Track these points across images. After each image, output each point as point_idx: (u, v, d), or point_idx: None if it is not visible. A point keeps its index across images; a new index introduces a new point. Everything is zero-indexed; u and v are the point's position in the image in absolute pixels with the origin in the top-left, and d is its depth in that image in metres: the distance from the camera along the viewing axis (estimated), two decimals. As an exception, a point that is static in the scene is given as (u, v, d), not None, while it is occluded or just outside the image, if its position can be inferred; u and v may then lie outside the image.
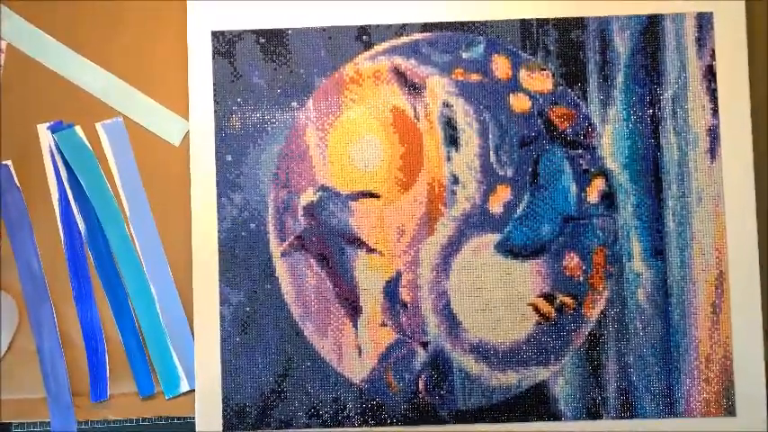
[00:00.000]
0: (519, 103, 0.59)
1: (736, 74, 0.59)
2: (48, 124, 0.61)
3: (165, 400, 0.59)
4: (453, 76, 0.59)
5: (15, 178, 0.61)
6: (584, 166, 0.59)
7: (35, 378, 0.59)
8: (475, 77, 0.59)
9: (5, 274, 0.60)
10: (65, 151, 0.60)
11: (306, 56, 0.60)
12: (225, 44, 0.60)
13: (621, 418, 0.58)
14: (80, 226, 0.60)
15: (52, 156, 0.61)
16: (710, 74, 0.59)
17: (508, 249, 0.59)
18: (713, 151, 0.59)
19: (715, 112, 0.59)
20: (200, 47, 0.60)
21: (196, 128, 0.60)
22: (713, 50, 0.59)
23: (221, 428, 0.58)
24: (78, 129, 0.61)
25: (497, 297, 0.59)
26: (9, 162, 0.61)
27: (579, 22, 0.59)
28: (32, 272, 0.60)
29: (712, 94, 0.59)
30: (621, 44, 0.59)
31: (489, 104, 0.59)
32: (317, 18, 0.60)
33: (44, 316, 0.60)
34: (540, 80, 0.59)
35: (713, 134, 0.59)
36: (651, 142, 0.59)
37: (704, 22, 0.59)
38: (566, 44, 0.59)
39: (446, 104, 0.59)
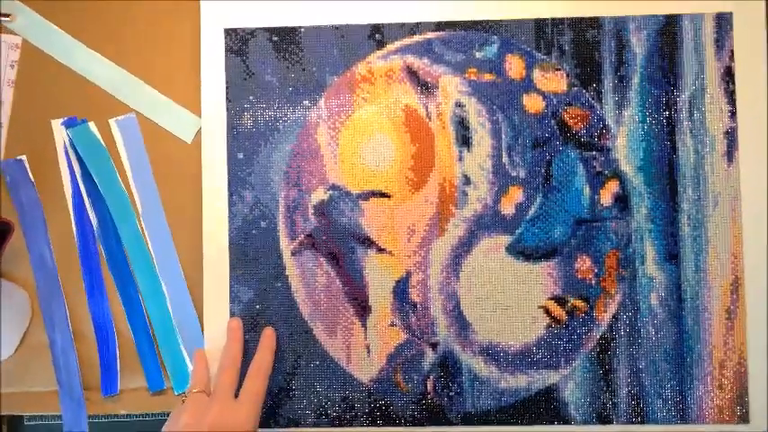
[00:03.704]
0: (532, 103, 0.58)
1: (755, 76, 0.58)
2: (62, 120, 0.61)
3: (175, 395, 0.60)
4: (466, 76, 0.59)
5: (29, 173, 0.61)
6: (598, 168, 0.58)
7: (47, 371, 0.60)
8: (488, 77, 0.59)
9: (19, 268, 0.61)
10: (78, 147, 0.60)
11: (318, 54, 0.59)
12: (237, 42, 0.60)
13: (632, 423, 0.57)
14: (93, 221, 0.61)
15: (66, 151, 0.61)
16: (729, 75, 0.58)
17: (520, 251, 0.58)
18: (730, 154, 0.58)
19: (733, 114, 0.58)
20: (213, 44, 0.60)
21: (208, 125, 0.60)
22: (732, 52, 0.58)
23: (229, 425, 0.58)
24: (92, 124, 0.61)
25: (508, 299, 0.58)
26: (23, 157, 0.61)
27: (595, 22, 0.58)
28: (45, 266, 0.60)
29: (730, 96, 0.58)
30: (638, 44, 0.58)
31: (502, 104, 0.58)
32: (329, 16, 0.59)
33: (56, 310, 0.60)
34: (554, 80, 0.58)
35: (731, 137, 0.58)
36: (667, 144, 0.58)
37: (723, 23, 0.58)
38: (581, 44, 0.58)
39: (458, 104, 0.59)
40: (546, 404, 0.58)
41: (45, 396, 0.60)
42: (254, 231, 0.59)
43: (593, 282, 0.58)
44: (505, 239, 0.58)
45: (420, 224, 0.58)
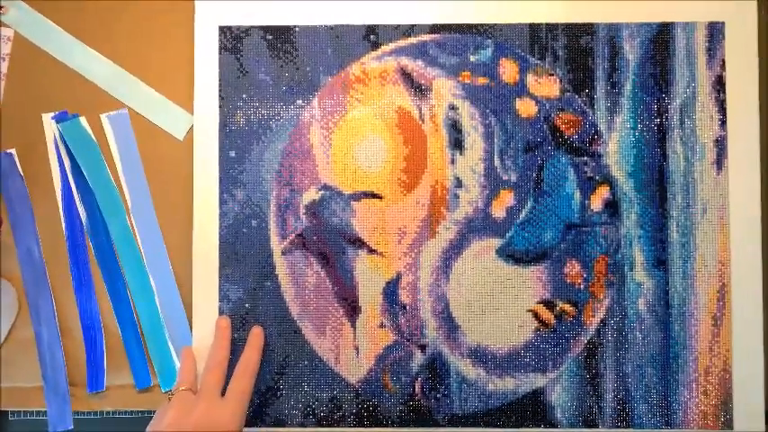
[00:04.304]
0: (525, 107, 0.59)
1: (745, 85, 0.58)
2: (53, 114, 0.61)
3: (162, 393, 0.59)
4: (460, 79, 0.59)
5: (19, 166, 0.61)
6: (589, 174, 0.58)
7: (33, 367, 0.59)
8: (482, 81, 0.59)
9: (6, 262, 0.60)
10: (69, 141, 0.60)
11: (312, 54, 0.59)
12: (232, 39, 0.59)
13: (618, 427, 0.58)
14: (82, 216, 0.60)
15: (56, 145, 0.61)
16: (720, 84, 0.58)
17: (509, 254, 0.58)
18: (720, 162, 0.58)
19: (723, 123, 0.58)
20: (208, 41, 0.59)
21: (200, 123, 0.59)
22: (723, 61, 0.58)
23: (216, 424, 0.58)
24: (83, 119, 0.61)
25: (497, 302, 0.58)
26: (13, 150, 0.61)
27: (589, 28, 0.59)
28: (33, 260, 0.60)
29: (721, 104, 0.58)
30: (631, 51, 0.59)
31: (495, 108, 0.59)
32: (324, 16, 0.59)
33: (43, 305, 0.60)
34: (547, 85, 0.59)
35: (720, 145, 0.58)
36: (657, 151, 0.58)
37: (715, 32, 0.59)
38: (574, 50, 0.59)
39: (452, 107, 0.59)
40: (533, 407, 0.58)
41: (30, 392, 0.60)
42: (244, 230, 0.59)
43: (582, 286, 0.58)
44: (496, 243, 0.58)
45: (411, 226, 0.59)
